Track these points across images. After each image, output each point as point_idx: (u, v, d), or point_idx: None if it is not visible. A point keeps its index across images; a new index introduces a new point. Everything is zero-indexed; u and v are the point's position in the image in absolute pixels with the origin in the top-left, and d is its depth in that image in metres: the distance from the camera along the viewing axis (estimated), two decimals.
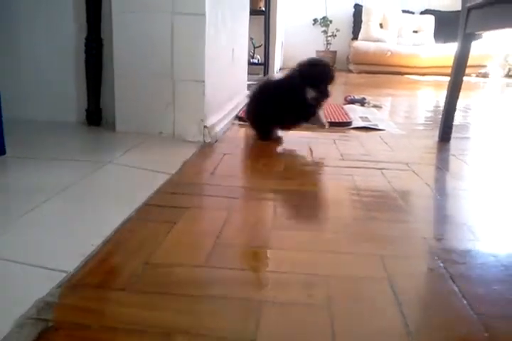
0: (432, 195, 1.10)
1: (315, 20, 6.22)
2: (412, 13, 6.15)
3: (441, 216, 0.99)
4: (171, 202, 0.97)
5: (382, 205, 1.00)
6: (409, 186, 1.16)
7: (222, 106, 1.79)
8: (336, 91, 3.58)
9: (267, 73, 4.95)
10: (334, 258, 0.74)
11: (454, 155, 1.52)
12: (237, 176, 1.21)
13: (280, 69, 5.91)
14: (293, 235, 0.83)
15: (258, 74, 4.94)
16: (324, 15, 6.14)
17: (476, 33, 1.53)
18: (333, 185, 1.14)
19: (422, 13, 6.15)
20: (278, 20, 5.22)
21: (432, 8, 6.15)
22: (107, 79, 1.59)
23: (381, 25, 5.97)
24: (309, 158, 1.42)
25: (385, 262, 0.72)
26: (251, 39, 5.05)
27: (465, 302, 0.62)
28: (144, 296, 0.61)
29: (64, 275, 0.63)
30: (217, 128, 1.61)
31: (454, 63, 1.64)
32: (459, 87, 1.65)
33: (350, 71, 5.87)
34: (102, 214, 0.87)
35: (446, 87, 1.71)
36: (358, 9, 6.08)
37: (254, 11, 4.71)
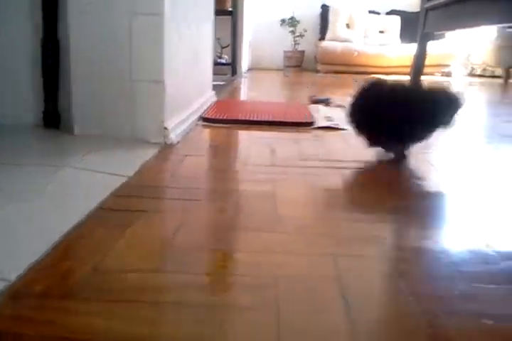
0: (388, 192, 1.11)
1: (283, 21, 6.24)
2: (378, 13, 6.24)
3: (395, 214, 1.01)
4: (125, 206, 0.95)
5: (338, 204, 1.01)
6: (365, 184, 1.17)
7: (184, 106, 1.78)
8: (303, 91, 3.61)
9: (235, 73, 4.95)
10: (288, 259, 0.74)
11: (412, 152, 1.54)
12: (197, 178, 1.20)
13: (248, 69, 5.92)
14: (249, 237, 0.83)
15: (226, 74, 4.93)
16: (292, 15, 6.18)
17: (434, 32, 1.56)
18: (291, 185, 1.15)
19: (387, 13, 6.25)
20: (245, 21, 5.22)
21: (398, 8, 6.25)
22: (65, 80, 1.56)
23: (348, 26, 6.04)
24: (270, 158, 1.42)
25: (337, 261, 0.73)
26: (218, 39, 5.04)
27: (411, 298, 0.63)
28: (94, 304, 0.60)
29: (4, 284, 0.61)
30: (179, 130, 1.59)
31: (413, 62, 1.67)
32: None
33: (318, 71, 5.92)
34: (52, 219, 0.85)
35: None
36: (325, 9, 6.14)
37: (221, 11, 4.70)
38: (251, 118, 2.02)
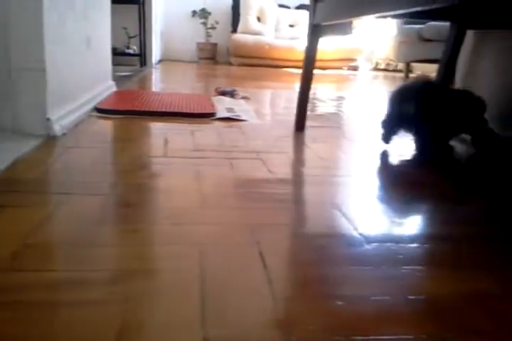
0: (274, 181, 1.12)
1: (194, 12, 6.15)
2: (288, 7, 6.34)
3: (272, 200, 1.02)
4: None
5: (221, 194, 1.00)
6: (252, 174, 1.17)
7: (74, 97, 1.68)
8: (213, 83, 3.59)
9: (145, 64, 4.82)
10: (150, 252, 0.72)
11: (304, 143, 1.58)
12: (76, 171, 1.13)
13: (160, 60, 5.78)
14: (121, 230, 0.79)
15: (135, 65, 4.78)
16: (203, 6, 6.11)
17: (322, 24, 1.59)
18: (177, 177, 1.12)
19: (297, 7, 6.37)
20: (155, 10, 5.08)
21: (307, 3, 6.38)
22: None
23: (259, 19, 6.08)
24: (161, 150, 1.39)
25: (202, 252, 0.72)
26: (125, 29, 4.88)
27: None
28: None
29: None
30: (66, 121, 1.51)
31: (305, 55, 1.70)
32: (311, 77, 1.72)
33: (231, 64, 5.92)
34: None
35: (300, 78, 1.77)
36: (236, 2, 6.13)
37: (127, 0, 4.54)
38: (149, 109, 1.96)
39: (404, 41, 4.73)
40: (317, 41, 1.66)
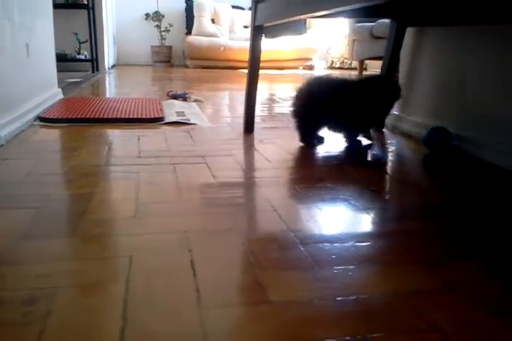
0: (216, 185, 1.11)
1: (147, 15, 6.07)
2: (242, 8, 6.34)
3: (211, 205, 1.00)
4: None
5: (158, 202, 0.98)
6: (194, 179, 1.15)
7: (13, 106, 1.62)
8: (167, 86, 3.54)
9: (97, 70, 4.72)
10: (74, 265, 0.69)
11: (252, 145, 1.57)
12: (8, 184, 1.09)
13: (114, 65, 5.68)
14: (46, 246, 0.76)
15: (87, 70, 4.68)
16: (156, 9, 6.04)
17: (264, 25, 1.59)
18: (115, 185, 1.09)
19: (250, 8, 6.36)
20: (105, 14, 4.99)
21: None
22: None
23: (213, 21, 6.05)
24: (104, 158, 1.35)
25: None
26: (75, 34, 4.77)
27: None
28: None
29: None
30: (4, 132, 1.45)
31: (249, 56, 1.69)
32: (256, 79, 1.71)
33: (187, 66, 5.87)
34: None
35: (247, 79, 1.76)
36: (189, 4, 6.08)
37: (74, 5, 4.45)
38: (96, 117, 1.92)
39: (356, 39, 4.80)
40: (260, 42, 1.66)
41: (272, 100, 2.84)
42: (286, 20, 1.40)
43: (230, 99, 3.05)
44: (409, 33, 1.84)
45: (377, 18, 2.99)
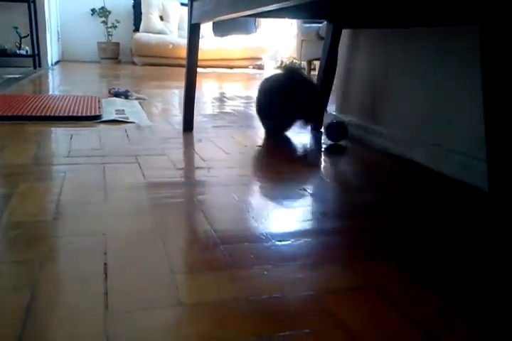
0: (144, 185, 1.08)
1: (93, 10, 5.92)
2: None
3: (135, 207, 0.98)
4: None
5: (80, 204, 0.95)
6: (123, 179, 1.13)
7: None
8: (111, 84, 3.46)
9: (39, 66, 4.55)
10: None
11: (190, 144, 1.55)
12: None
13: (58, 61, 5.49)
14: None
15: (28, 66, 4.50)
16: (102, 5, 5.89)
17: (200, 23, 1.57)
18: (37, 186, 1.05)
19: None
20: (47, 9, 4.82)
21: None
22: None
23: (161, 18, 5.97)
24: (30, 157, 1.30)
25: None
26: (15, 28, 4.58)
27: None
28: None
29: None
30: None
31: (187, 55, 1.67)
32: (195, 77, 1.70)
33: (135, 63, 5.76)
34: None
35: (182, 79, 1.74)
36: (137, 1, 5.97)
37: None
38: (30, 114, 1.84)
39: (304, 40, 4.86)
40: (198, 41, 1.64)
41: (218, 99, 2.83)
42: (217, 19, 1.39)
43: (176, 97, 3.01)
44: (346, 34, 1.87)
45: (314, 19, 3.03)
